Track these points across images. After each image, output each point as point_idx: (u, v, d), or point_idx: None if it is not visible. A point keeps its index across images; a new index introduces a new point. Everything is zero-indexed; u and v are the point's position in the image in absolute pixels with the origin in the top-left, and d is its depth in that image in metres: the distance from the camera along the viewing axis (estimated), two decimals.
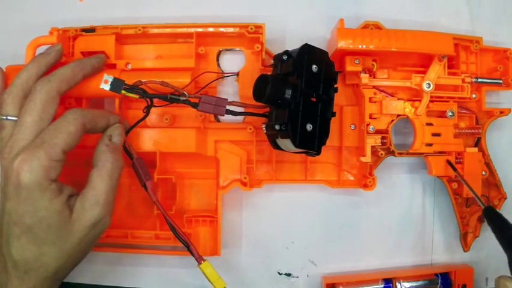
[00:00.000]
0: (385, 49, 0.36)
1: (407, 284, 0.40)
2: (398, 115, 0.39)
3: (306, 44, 0.33)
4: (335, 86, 0.35)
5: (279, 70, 0.35)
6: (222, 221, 0.38)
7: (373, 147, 0.38)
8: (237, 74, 0.40)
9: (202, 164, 0.40)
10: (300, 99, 0.32)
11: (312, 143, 0.33)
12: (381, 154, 0.38)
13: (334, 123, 0.36)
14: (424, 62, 0.39)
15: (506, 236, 0.34)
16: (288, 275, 0.42)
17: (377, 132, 0.38)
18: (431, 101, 0.39)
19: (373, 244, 0.42)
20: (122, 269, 0.42)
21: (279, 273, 0.42)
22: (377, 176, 0.39)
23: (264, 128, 0.35)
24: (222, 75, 0.40)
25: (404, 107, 0.39)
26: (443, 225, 0.42)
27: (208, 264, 0.34)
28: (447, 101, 0.39)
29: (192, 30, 0.38)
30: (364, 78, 0.38)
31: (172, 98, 0.34)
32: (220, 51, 0.40)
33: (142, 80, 0.34)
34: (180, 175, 0.40)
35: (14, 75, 0.34)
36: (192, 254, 0.34)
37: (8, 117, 0.33)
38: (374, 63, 0.38)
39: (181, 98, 0.34)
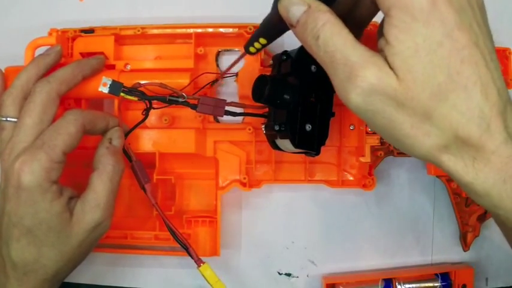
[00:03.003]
0: None
1: (407, 284, 0.40)
2: None
3: None
4: None
5: (278, 70, 0.34)
6: (222, 222, 0.38)
7: (372, 147, 0.38)
8: (236, 75, 0.39)
9: (201, 165, 0.40)
10: (299, 100, 0.32)
11: (311, 143, 0.33)
12: (380, 154, 0.38)
13: (333, 123, 0.36)
14: None
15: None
16: (288, 275, 0.42)
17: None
18: None
19: (373, 244, 0.42)
20: (122, 270, 0.42)
21: (279, 273, 0.42)
22: (376, 176, 0.39)
23: (263, 129, 0.35)
24: (221, 76, 0.40)
25: None
26: (443, 225, 0.42)
27: (207, 266, 0.34)
28: None
29: (191, 30, 0.38)
30: None
31: (171, 99, 0.34)
32: (219, 51, 0.40)
33: (141, 82, 0.34)
34: (180, 176, 0.40)
35: (13, 77, 0.34)
36: (191, 257, 0.34)
37: (8, 119, 0.33)
38: None
39: (180, 100, 0.34)
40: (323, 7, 0.24)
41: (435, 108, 0.22)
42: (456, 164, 0.23)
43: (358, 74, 0.22)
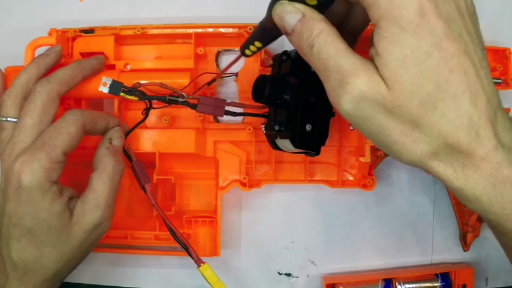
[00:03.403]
0: None
1: (407, 284, 0.40)
2: None
3: None
4: None
5: (278, 70, 0.34)
6: (222, 222, 0.38)
7: (372, 147, 0.38)
8: (236, 75, 0.40)
9: (201, 165, 0.40)
10: (299, 100, 0.32)
11: (311, 143, 0.33)
12: (380, 154, 0.38)
13: (333, 123, 0.36)
14: None
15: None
16: (288, 275, 0.42)
17: None
18: None
19: (373, 244, 0.42)
20: (122, 270, 0.42)
21: (279, 273, 0.42)
22: (376, 176, 0.39)
23: (263, 129, 0.35)
24: (221, 76, 0.40)
25: None
26: (443, 225, 0.42)
27: (207, 266, 0.34)
28: None
29: (191, 30, 0.38)
30: None
31: (171, 99, 0.34)
32: (219, 51, 0.40)
33: (141, 82, 0.34)
34: (180, 176, 0.40)
35: (13, 77, 0.34)
36: (191, 257, 0.34)
37: (8, 119, 0.33)
38: None
39: (180, 100, 0.34)
40: (317, 16, 0.24)
41: (424, 116, 0.22)
42: (446, 170, 0.23)
43: (349, 81, 0.22)
